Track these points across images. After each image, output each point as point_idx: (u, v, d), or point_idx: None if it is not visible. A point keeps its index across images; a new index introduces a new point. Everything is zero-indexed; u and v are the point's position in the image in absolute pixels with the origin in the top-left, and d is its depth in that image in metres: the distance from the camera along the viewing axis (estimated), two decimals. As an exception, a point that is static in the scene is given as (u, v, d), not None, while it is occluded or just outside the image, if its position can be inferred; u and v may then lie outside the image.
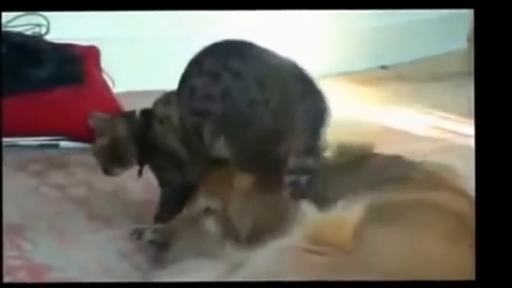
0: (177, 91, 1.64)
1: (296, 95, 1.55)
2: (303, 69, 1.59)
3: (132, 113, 1.75)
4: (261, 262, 1.32)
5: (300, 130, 1.52)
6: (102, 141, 1.73)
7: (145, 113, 1.71)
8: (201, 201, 1.61)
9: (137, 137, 1.71)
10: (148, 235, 1.67)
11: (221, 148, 1.57)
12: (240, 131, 1.55)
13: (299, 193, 1.49)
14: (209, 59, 1.59)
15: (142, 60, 2.51)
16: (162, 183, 1.73)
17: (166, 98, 1.69)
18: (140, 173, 1.75)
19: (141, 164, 1.74)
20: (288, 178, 1.50)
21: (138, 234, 1.69)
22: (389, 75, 3.02)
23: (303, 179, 1.50)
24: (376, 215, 1.33)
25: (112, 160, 1.74)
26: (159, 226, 1.67)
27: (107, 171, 1.75)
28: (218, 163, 1.61)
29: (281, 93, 1.54)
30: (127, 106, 2.11)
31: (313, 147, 1.53)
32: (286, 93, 1.55)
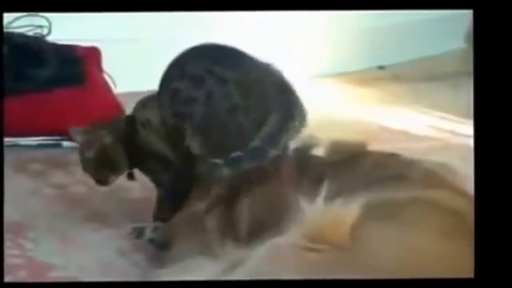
0: (157, 94, 1.66)
1: (275, 102, 1.58)
2: (284, 77, 1.62)
3: (115, 120, 1.77)
4: (259, 260, 1.32)
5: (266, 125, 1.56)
6: (89, 153, 1.73)
7: (128, 119, 1.73)
8: (198, 203, 1.61)
9: (123, 142, 1.72)
10: (148, 234, 1.69)
11: (196, 148, 1.60)
12: (218, 135, 1.58)
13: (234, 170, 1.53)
14: (192, 62, 1.62)
15: (143, 60, 2.52)
16: (157, 184, 1.74)
17: (143, 102, 1.71)
18: (131, 175, 1.75)
19: (131, 167, 1.74)
20: (232, 154, 1.53)
21: (138, 233, 1.71)
22: (387, 75, 3.04)
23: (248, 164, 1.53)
24: (373, 213, 1.33)
25: (103, 167, 1.74)
26: (159, 224, 1.69)
27: (100, 181, 1.75)
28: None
29: (261, 102, 1.58)
30: (128, 106, 2.14)
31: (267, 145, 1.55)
32: (266, 102, 1.58)
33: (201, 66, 1.60)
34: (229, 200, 1.58)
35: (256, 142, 1.55)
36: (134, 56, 2.51)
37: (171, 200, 1.67)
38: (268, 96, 1.59)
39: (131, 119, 1.72)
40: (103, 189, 1.79)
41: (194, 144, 1.60)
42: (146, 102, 1.69)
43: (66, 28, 2.23)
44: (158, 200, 1.73)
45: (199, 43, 1.64)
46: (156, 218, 1.72)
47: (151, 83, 1.72)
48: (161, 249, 1.64)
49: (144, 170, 1.74)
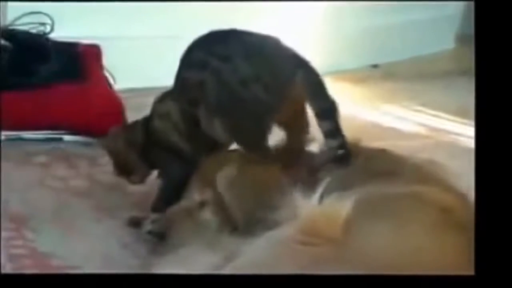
0: (173, 87, 1.68)
1: (287, 68, 1.59)
2: (286, 45, 1.63)
3: (130, 124, 1.80)
4: (255, 253, 1.34)
5: (307, 98, 1.59)
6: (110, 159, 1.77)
7: (144, 120, 1.74)
8: (196, 194, 1.63)
9: (138, 143, 1.73)
10: (146, 225, 1.68)
11: (218, 131, 1.61)
12: (235, 111, 1.58)
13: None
14: (196, 50, 1.64)
15: (143, 57, 2.55)
16: (162, 176, 1.75)
17: (161, 97, 1.72)
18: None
19: (148, 167, 1.76)
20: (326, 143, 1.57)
21: (135, 223, 1.72)
22: (380, 74, 3.06)
23: (333, 142, 1.56)
24: (366, 208, 1.35)
25: (121, 172, 1.77)
26: (157, 215, 1.68)
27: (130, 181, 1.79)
28: (216, 149, 1.66)
29: (271, 68, 1.58)
30: (128, 102, 2.17)
31: (327, 109, 1.59)
32: (276, 68, 1.59)
33: (203, 50, 1.61)
34: (226, 193, 1.60)
35: (316, 106, 1.59)
36: (134, 53, 2.52)
37: (177, 191, 1.68)
38: (283, 66, 1.59)
39: (147, 119, 1.73)
40: (105, 182, 1.82)
41: (215, 127, 1.60)
42: (164, 96, 1.70)
43: (68, 26, 2.25)
44: (161, 191, 1.73)
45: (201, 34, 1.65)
46: (155, 208, 1.72)
47: (151, 80, 1.73)
48: (159, 240, 1.64)
49: (160, 165, 1.75)
